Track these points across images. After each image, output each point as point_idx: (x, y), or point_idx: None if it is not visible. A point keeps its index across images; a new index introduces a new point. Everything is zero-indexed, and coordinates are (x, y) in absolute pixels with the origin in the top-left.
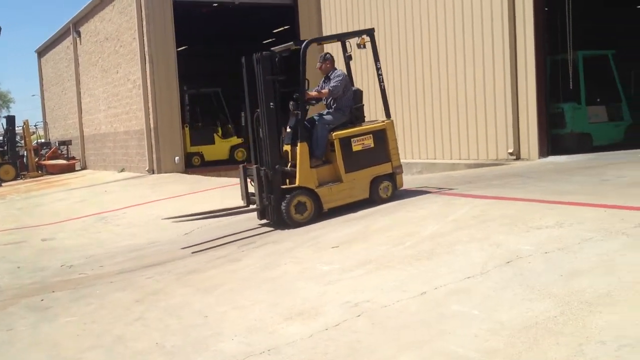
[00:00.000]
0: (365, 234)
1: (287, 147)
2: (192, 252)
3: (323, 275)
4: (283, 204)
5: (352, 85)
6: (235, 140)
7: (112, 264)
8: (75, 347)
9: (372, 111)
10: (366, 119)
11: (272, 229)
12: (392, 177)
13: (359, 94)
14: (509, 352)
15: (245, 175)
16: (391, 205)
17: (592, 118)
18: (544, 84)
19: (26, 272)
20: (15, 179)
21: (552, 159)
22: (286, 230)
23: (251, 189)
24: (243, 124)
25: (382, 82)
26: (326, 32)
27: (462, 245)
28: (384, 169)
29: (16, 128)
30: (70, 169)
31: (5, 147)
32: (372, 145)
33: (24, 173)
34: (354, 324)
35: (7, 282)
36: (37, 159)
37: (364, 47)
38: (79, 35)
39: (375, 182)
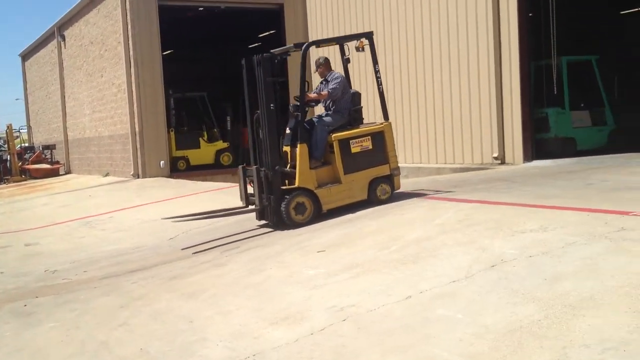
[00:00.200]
0: (352, 238)
1: (286, 148)
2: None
3: (309, 280)
4: (283, 204)
5: (350, 87)
6: (221, 145)
7: (97, 269)
8: (59, 353)
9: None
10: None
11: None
12: (390, 178)
13: (357, 96)
14: (494, 356)
15: (245, 176)
16: (378, 209)
17: (576, 123)
18: (529, 89)
19: (9, 277)
20: None
21: (536, 163)
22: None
23: (249, 190)
24: (229, 128)
25: (381, 84)
26: (312, 36)
27: (447, 249)
28: (382, 170)
29: None
30: (54, 173)
31: None
32: (371, 147)
33: (7, 177)
34: (340, 328)
35: None
36: (20, 163)
37: (363, 50)
38: (64, 39)
39: (373, 183)
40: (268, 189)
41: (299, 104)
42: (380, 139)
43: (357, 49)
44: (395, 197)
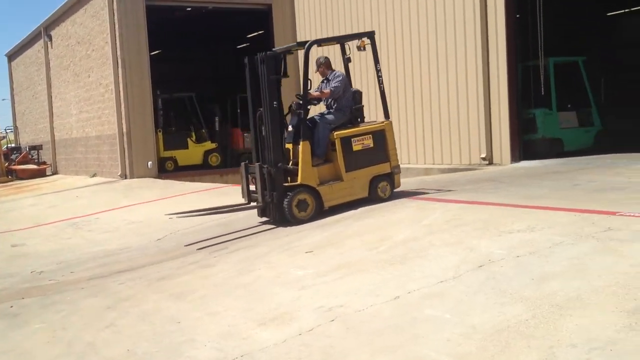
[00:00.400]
0: (340, 238)
1: (288, 146)
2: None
3: (297, 280)
4: (285, 201)
5: (351, 86)
6: (209, 145)
7: (83, 270)
8: (46, 354)
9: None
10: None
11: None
12: (391, 177)
13: (358, 94)
14: (482, 356)
15: (247, 172)
16: (367, 208)
17: (563, 123)
18: (516, 90)
19: None
20: None
21: (524, 163)
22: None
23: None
24: (217, 129)
25: (382, 83)
26: (300, 37)
27: (435, 250)
28: (383, 168)
29: None
30: (41, 174)
31: None
32: (372, 145)
33: None
34: (328, 328)
35: None
36: (7, 164)
37: (364, 49)
38: (50, 39)
39: (374, 181)
40: (271, 185)
41: (301, 102)
42: (382, 137)
43: (359, 48)
44: (382, 198)
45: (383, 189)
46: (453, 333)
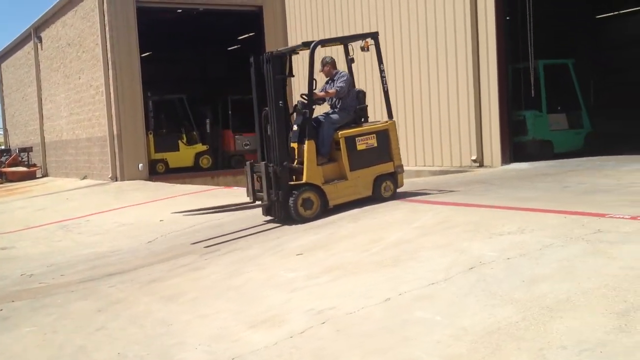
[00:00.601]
0: (331, 240)
1: (293, 145)
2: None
3: (288, 283)
4: (291, 199)
5: (354, 86)
6: (200, 147)
7: (74, 273)
8: (36, 358)
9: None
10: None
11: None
12: (394, 176)
13: (362, 94)
14: (472, 358)
15: (252, 171)
16: (356, 211)
17: (553, 125)
18: (506, 92)
19: None
20: None
21: (514, 165)
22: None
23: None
24: (208, 131)
25: (386, 84)
26: (291, 38)
27: (426, 252)
28: (386, 168)
29: None
30: (31, 176)
31: None
32: (376, 144)
33: None
34: (319, 331)
35: None
36: None
37: (368, 50)
38: (40, 41)
39: (377, 180)
40: (276, 184)
41: (306, 101)
42: (385, 137)
43: (362, 48)
44: (373, 200)
45: (386, 188)
46: (444, 335)
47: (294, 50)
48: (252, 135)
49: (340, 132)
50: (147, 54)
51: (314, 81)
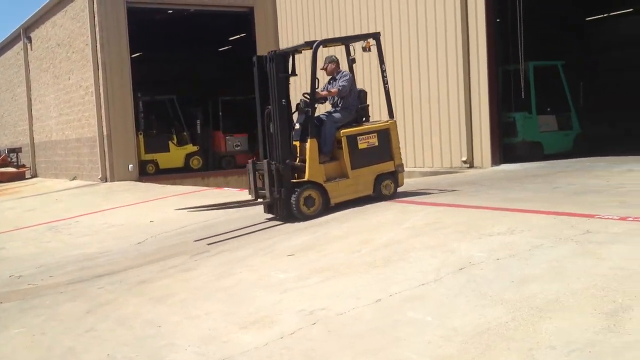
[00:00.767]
0: (322, 241)
1: (295, 143)
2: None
3: (279, 284)
4: (293, 197)
5: (355, 86)
6: (190, 148)
7: (63, 274)
8: (25, 359)
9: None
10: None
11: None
12: (394, 175)
13: (363, 94)
14: (463, 358)
15: (254, 169)
16: (347, 212)
17: (542, 127)
18: (496, 94)
19: None
20: None
21: (504, 167)
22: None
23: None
24: (199, 132)
25: (387, 84)
26: (282, 39)
27: (416, 253)
28: (387, 166)
29: None
30: (20, 177)
31: None
32: (377, 143)
33: None
34: (310, 332)
35: None
36: None
37: (369, 50)
38: (30, 41)
39: (378, 179)
40: (278, 182)
41: (308, 100)
42: (386, 136)
43: (364, 49)
44: (363, 200)
45: (387, 187)
46: (434, 335)
47: (297, 50)
48: (242, 136)
49: (342, 131)
50: (138, 54)
51: (317, 80)
